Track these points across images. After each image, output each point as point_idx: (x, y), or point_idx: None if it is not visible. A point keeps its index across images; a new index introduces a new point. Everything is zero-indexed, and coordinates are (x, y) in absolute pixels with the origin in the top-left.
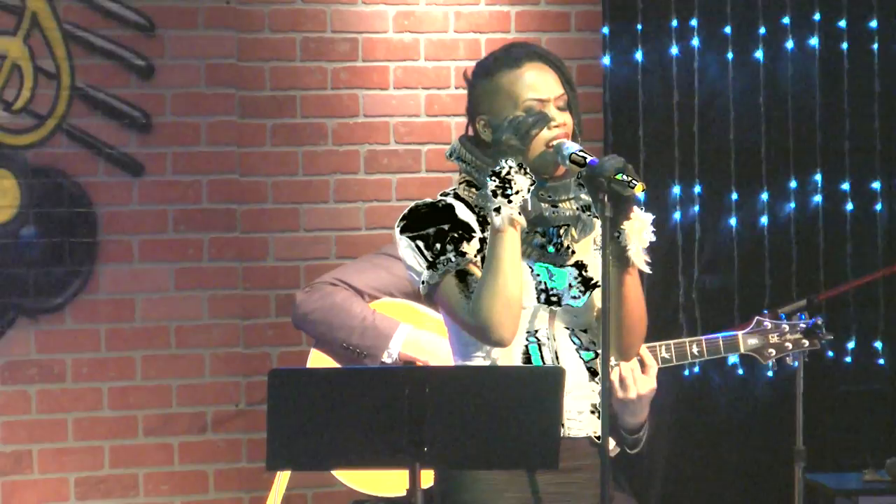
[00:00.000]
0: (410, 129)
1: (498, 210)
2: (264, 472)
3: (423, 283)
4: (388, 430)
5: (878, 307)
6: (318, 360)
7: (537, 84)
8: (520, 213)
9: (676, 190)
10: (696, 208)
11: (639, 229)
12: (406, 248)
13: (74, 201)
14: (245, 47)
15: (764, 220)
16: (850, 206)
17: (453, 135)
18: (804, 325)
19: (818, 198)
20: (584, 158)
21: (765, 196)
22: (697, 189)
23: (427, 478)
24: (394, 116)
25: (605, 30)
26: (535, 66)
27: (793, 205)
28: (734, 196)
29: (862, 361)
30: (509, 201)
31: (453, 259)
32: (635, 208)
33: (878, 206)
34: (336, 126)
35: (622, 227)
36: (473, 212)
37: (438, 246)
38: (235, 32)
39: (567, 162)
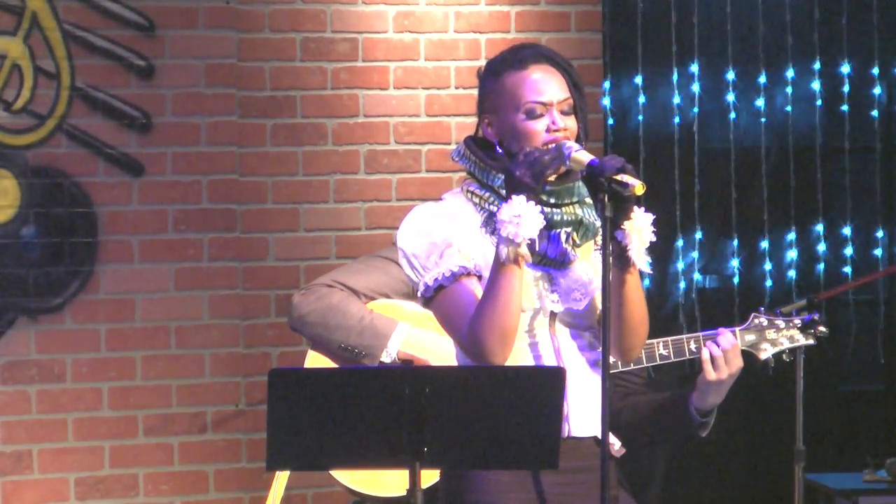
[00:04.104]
0: (410, 129)
1: (505, 243)
2: (264, 472)
3: (419, 294)
4: (388, 430)
5: (878, 307)
6: (316, 362)
7: (541, 87)
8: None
9: (676, 189)
10: (697, 207)
11: (639, 229)
12: (402, 259)
13: (74, 201)
14: (245, 47)
15: (764, 219)
16: (849, 205)
17: (453, 135)
18: (800, 321)
19: (818, 196)
20: (585, 158)
21: (765, 195)
22: (698, 188)
23: (427, 478)
24: (394, 116)
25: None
26: (541, 69)
27: (793, 204)
28: (734, 195)
29: (862, 361)
30: (518, 239)
31: (447, 274)
32: (636, 208)
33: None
34: (336, 126)
35: (622, 226)
36: (478, 212)
37: (433, 259)
38: (235, 32)
39: (567, 162)
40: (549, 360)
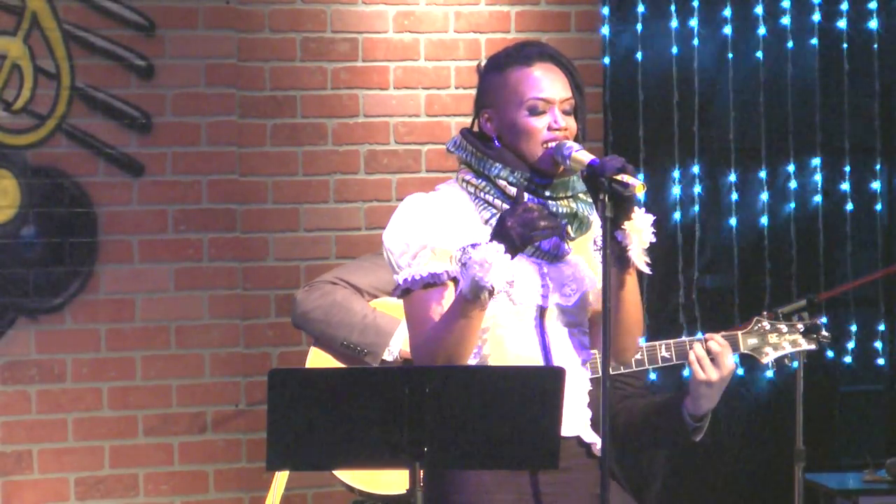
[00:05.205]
0: (410, 129)
1: (470, 282)
2: (264, 472)
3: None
4: (388, 430)
5: (878, 307)
6: (318, 358)
7: (544, 85)
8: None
9: (676, 190)
10: (696, 208)
11: (639, 230)
12: (384, 251)
13: (74, 201)
14: (245, 47)
15: (764, 220)
16: (850, 207)
17: (453, 135)
18: (803, 326)
19: (818, 198)
20: (585, 158)
21: (765, 196)
22: (698, 189)
23: None
24: (394, 116)
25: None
26: (544, 67)
27: (793, 205)
28: (734, 196)
29: (862, 361)
30: (483, 283)
31: (417, 277)
32: (636, 208)
33: (878, 207)
34: (336, 126)
35: (623, 227)
36: (473, 201)
37: (406, 259)
38: (235, 32)
39: (567, 162)
40: (537, 357)
